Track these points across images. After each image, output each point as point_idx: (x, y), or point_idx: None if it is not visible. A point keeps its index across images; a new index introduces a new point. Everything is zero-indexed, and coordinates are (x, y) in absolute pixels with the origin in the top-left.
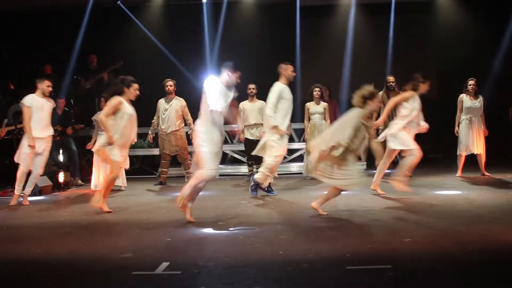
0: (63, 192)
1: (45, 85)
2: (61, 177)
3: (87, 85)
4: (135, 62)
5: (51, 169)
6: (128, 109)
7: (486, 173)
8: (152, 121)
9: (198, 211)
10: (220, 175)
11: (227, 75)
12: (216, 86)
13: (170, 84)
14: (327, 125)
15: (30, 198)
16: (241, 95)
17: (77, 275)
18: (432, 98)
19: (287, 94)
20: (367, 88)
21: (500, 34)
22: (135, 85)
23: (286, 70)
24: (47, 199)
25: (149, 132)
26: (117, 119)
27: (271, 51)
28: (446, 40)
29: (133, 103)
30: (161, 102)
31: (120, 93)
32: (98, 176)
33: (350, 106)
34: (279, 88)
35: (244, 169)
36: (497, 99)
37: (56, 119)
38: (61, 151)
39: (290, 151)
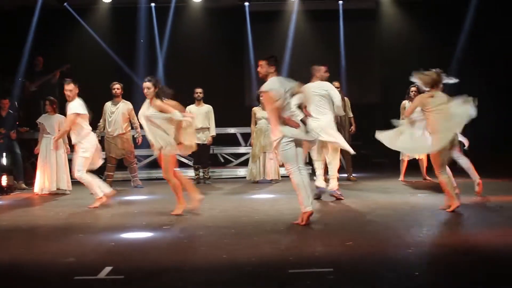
0: (6, 196)
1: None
2: (4, 180)
3: (32, 87)
4: (82, 64)
5: None
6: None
7: (428, 178)
8: (98, 124)
9: (143, 215)
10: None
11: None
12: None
13: (117, 87)
14: None
15: None
16: (188, 99)
17: (18, 281)
18: (376, 104)
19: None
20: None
21: (443, 41)
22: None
23: (319, 71)
24: None
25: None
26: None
27: (218, 55)
28: (390, 47)
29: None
30: (108, 105)
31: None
32: (43, 180)
33: None
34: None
35: (190, 172)
36: None
37: (0, 121)
38: (4, 154)
39: (237, 156)
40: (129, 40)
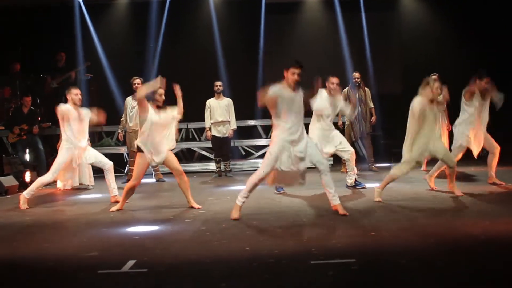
0: None
1: (73, 94)
2: (27, 176)
3: (54, 84)
4: (101, 60)
5: (17, 169)
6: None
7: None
8: (121, 119)
9: (165, 209)
10: (188, 172)
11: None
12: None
13: (138, 82)
14: None
15: None
16: (208, 92)
17: (43, 275)
18: (397, 94)
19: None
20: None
21: (463, 31)
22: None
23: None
24: (13, 199)
25: (119, 130)
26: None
27: (236, 48)
28: (410, 37)
29: (102, 101)
30: (129, 100)
31: None
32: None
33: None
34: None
35: (212, 166)
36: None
37: (22, 118)
38: (27, 150)
39: (258, 148)
40: (147, 34)
